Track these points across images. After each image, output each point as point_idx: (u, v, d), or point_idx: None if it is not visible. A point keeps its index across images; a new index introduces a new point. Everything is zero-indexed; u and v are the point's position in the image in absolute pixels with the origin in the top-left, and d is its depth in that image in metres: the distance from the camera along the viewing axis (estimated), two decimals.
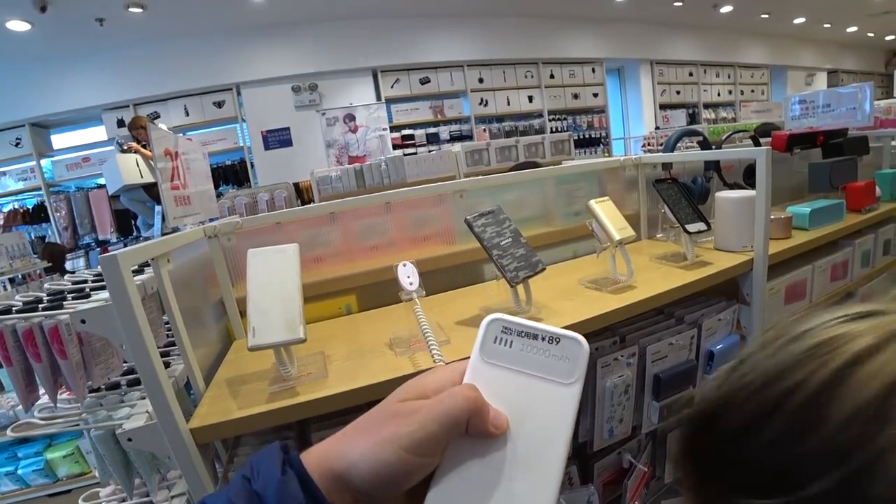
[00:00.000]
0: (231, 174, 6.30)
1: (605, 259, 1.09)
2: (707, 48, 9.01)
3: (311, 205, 1.25)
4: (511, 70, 7.29)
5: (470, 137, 6.90)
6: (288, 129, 6.43)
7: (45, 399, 0.91)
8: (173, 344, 0.90)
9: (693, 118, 8.90)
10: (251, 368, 0.85)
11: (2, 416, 2.46)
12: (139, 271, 0.90)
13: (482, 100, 7.13)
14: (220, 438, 0.87)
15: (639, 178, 1.51)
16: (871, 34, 10.59)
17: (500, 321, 0.33)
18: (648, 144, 5.96)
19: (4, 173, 5.73)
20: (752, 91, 9.74)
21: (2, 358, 0.78)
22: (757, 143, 1.77)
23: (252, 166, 6.40)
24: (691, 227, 1.15)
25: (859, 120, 1.95)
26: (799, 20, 9.02)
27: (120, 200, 4.48)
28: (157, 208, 3.57)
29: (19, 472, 2.49)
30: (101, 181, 5.40)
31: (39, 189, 5.69)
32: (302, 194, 5.26)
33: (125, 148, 4.15)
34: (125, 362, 0.91)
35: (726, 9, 7.94)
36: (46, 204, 5.65)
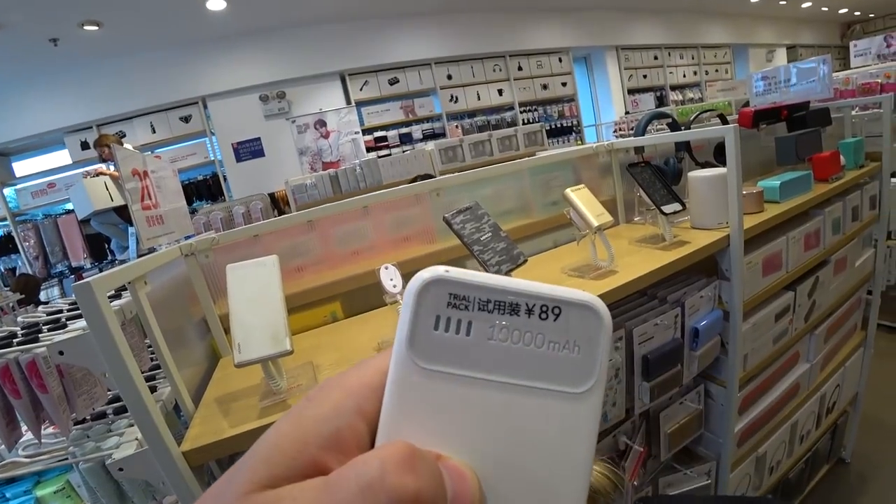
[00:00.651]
0: (204, 189, 6.18)
1: (586, 246, 1.10)
2: (670, 31, 9.16)
3: (288, 214, 1.23)
4: (479, 65, 7.30)
5: (443, 135, 6.90)
6: (259, 139, 6.33)
7: (28, 436, 0.88)
8: (158, 367, 0.89)
9: (661, 101, 9.04)
10: (240, 385, 0.84)
11: None
12: (116, 296, 0.88)
13: (452, 96, 7.13)
14: (213, 459, 0.86)
15: (612, 164, 1.53)
16: (825, 8, 10.88)
17: (444, 284, 0.19)
18: (620, 130, 6.03)
19: None
20: (717, 71, 9.93)
21: None
22: (724, 122, 1.80)
23: (225, 179, 6.29)
24: (667, 208, 1.17)
25: (819, 92, 2.00)
26: None
27: (91, 225, 4.37)
28: (131, 230, 3.50)
29: None
30: (70, 206, 5.26)
31: (5, 220, 5.50)
32: (278, 204, 5.21)
33: (92, 175, 4.07)
34: (109, 390, 0.89)
35: None
36: (14, 234, 5.47)
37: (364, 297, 1.16)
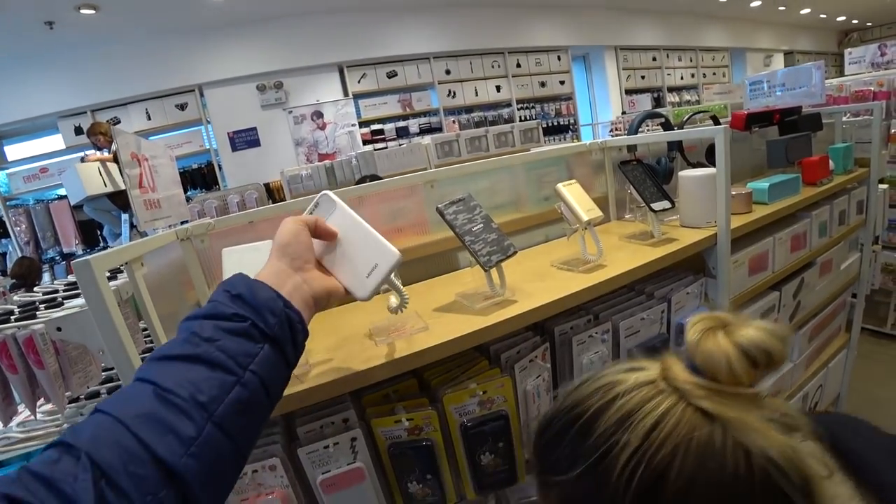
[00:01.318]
0: (199, 178, 6.16)
1: (576, 241, 1.12)
2: (669, 33, 9.20)
3: (284, 202, 1.24)
4: (478, 60, 7.30)
5: (439, 129, 6.91)
6: (255, 128, 6.32)
7: (24, 415, 0.89)
8: (153, 349, 0.90)
9: (658, 102, 9.08)
10: None
11: None
12: (112, 278, 0.89)
13: (450, 91, 7.13)
14: None
15: (605, 162, 1.55)
16: (823, 15, 10.96)
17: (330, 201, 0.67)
18: (616, 129, 6.06)
19: None
20: (714, 74, 9.99)
21: None
22: (717, 123, 1.83)
23: (220, 168, 6.27)
24: (657, 206, 1.19)
25: (812, 98, 2.04)
26: (755, 3, 9.27)
27: (83, 210, 4.34)
28: (124, 217, 3.48)
29: None
30: (62, 192, 5.22)
31: None
32: (273, 194, 5.20)
33: (92, 160, 4.04)
34: (104, 370, 0.90)
35: None
36: (5, 219, 5.42)
37: None
